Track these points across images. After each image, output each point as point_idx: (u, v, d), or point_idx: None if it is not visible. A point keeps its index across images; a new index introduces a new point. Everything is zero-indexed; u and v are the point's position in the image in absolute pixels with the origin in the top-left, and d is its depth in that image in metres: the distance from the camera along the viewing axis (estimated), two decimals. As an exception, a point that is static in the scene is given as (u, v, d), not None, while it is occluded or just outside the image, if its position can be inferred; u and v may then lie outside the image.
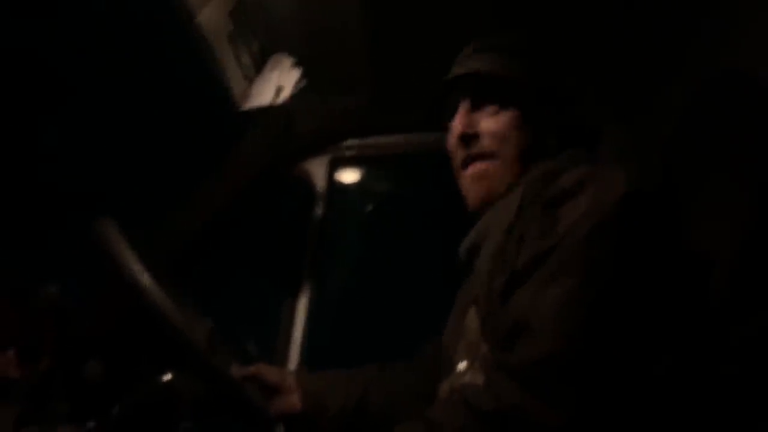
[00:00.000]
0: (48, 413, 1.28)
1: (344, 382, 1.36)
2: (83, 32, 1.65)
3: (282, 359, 1.77)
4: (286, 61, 1.81)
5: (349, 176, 2.11)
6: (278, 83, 1.82)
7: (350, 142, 2.01)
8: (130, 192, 1.76)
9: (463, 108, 1.24)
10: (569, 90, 1.25)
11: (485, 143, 1.21)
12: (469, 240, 1.20)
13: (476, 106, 1.23)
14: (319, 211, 1.98)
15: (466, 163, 1.23)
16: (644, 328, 0.96)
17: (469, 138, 1.21)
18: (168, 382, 1.26)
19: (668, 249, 1.03)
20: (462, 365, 1.15)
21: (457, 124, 1.23)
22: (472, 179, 1.22)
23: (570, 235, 1.00)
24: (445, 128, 1.29)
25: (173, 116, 1.90)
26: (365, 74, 1.76)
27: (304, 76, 1.81)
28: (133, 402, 1.26)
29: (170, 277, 1.26)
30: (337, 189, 2.05)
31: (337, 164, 2.04)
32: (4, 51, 1.46)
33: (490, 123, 1.21)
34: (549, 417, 0.89)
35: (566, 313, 0.94)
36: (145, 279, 1.20)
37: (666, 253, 1.02)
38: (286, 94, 1.83)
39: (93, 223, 1.22)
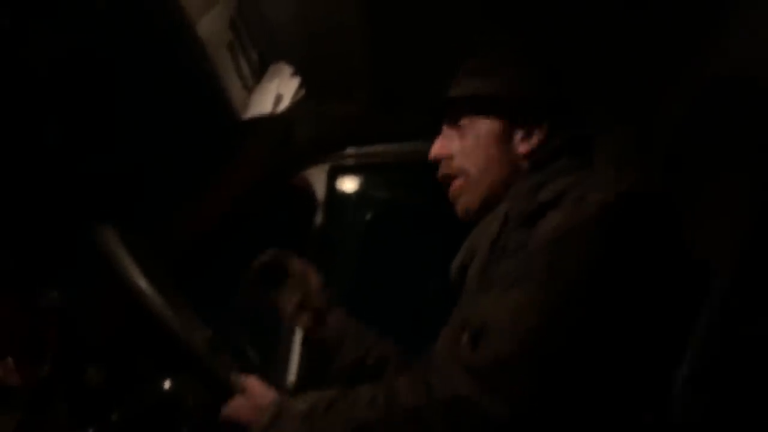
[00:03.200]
0: (48, 419, 1.28)
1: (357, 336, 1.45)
2: (82, 42, 1.65)
3: (282, 366, 1.77)
4: (286, 70, 1.82)
5: (348, 184, 2.12)
6: (278, 92, 1.83)
7: (349, 150, 2.02)
8: (129, 199, 1.76)
9: (442, 132, 1.32)
10: (554, 100, 1.26)
11: (454, 162, 1.29)
12: (458, 259, 1.24)
13: (452, 128, 1.30)
14: (318, 219, 1.99)
15: (445, 183, 1.31)
16: (602, 339, 0.97)
17: (440, 160, 1.31)
18: (168, 387, 1.27)
19: (642, 259, 1.01)
20: None
21: (432, 148, 1.32)
22: (452, 198, 1.30)
23: (538, 242, 1.03)
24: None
25: (172, 126, 1.90)
26: (364, 83, 1.77)
27: (303, 84, 1.81)
28: (133, 408, 1.26)
29: (171, 283, 1.26)
30: (336, 197, 2.05)
31: (336, 172, 2.05)
32: (4, 55, 1.46)
33: (458, 142, 1.29)
34: (497, 410, 0.93)
35: (522, 316, 0.97)
36: (145, 285, 1.20)
37: (638, 263, 1.01)
38: (285, 102, 1.83)
39: (93, 229, 1.22)
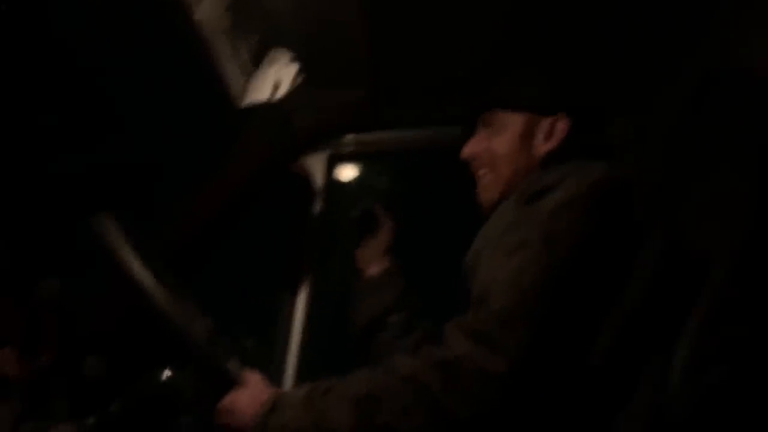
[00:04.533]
0: (48, 410, 1.28)
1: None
2: (77, 29, 1.64)
3: (281, 356, 1.76)
4: (284, 56, 1.81)
5: (347, 172, 2.10)
6: (276, 79, 1.82)
7: (349, 137, 2.01)
8: (127, 188, 1.75)
9: (477, 132, 1.45)
10: (577, 106, 1.36)
11: (479, 162, 1.41)
12: (472, 249, 1.28)
13: (484, 128, 1.43)
14: (317, 207, 1.97)
15: (476, 178, 1.43)
16: (590, 305, 1.05)
17: (469, 160, 1.43)
18: (168, 378, 1.26)
19: (632, 235, 1.11)
20: None
21: (465, 147, 1.44)
22: (480, 190, 1.41)
23: (537, 216, 1.11)
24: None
25: (170, 113, 1.89)
26: (364, 69, 1.75)
27: (302, 71, 1.80)
28: (132, 398, 1.26)
29: (170, 274, 1.26)
30: (335, 185, 2.04)
31: (335, 160, 2.04)
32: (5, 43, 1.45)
33: (487, 141, 1.40)
34: (494, 365, 0.98)
35: (518, 279, 1.05)
36: (145, 276, 1.20)
37: (629, 238, 1.10)
38: (283, 89, 1.82)
39: (92, 219, 1.21)
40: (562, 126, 1.33)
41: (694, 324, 1.04)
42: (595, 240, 1.09)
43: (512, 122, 1.37)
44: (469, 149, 1.43)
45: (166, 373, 1.26)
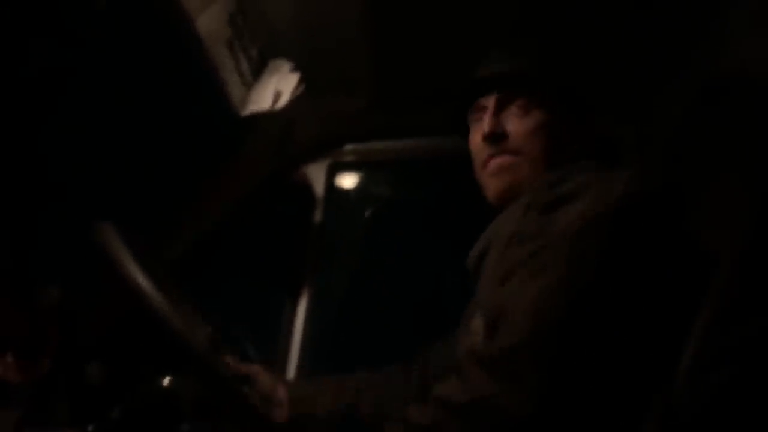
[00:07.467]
0: (49, 416, 1.28)
1: (334, 387, 1.39)
2: (81, 38, 1.65)
3: (282, 364, 1.77)
4: (285, 66, 1.82)
5: (348, 181, 2.12)
6: (277, 88, 1.83)
7: (349, 146, 2.02)
8: (129, 197, 1.76)
9: (490, 108, 1.25)
10: (591, 98, 1.29)
11: (512, 143, 1.22)
12: (477, 248, 1.22)
13: (502, 107, 1.25)
14: (318, 215, 1.99)
15: (489, 160, 1.24)
16: (620, 329, 0.98)
17: (496, 137, 1.23)
18: (168, 385, 1.27)
19: (662, 254, 1.04)
20: None
21: (485, 124, 1.23)
22: (493, 172, 1.23)
23: (561, 233, 1.03)
24: (458, 131, 1.34)
25: (172, 123, 1.90)
26: (365, 79, 1.76)
27: (302, 81, 1.81)
28: (133, 405, 1.26)
29: (172, 281, 1.26)
30: (336, 194, 2.05)
31: (336, 169, 2.05)
32: (5, 50, 1.46)
33: (518, 123, 1.23)
34: (519, 405, 0.92)
35: (543, 306, 0.97)
36: (146, 283, 1.20)
37: (659, 257, 1.03)
38: (285, 99, 1.83)
39: (93, 227, 1.22)
40: (587, 125, 1.26)
41: (700, 324, 1.03)
42: (622, 262, 1.01)
43: (546, 111, 1.23)
44: (495, 125, 1.23)
45: (167, 380, 1.27)
